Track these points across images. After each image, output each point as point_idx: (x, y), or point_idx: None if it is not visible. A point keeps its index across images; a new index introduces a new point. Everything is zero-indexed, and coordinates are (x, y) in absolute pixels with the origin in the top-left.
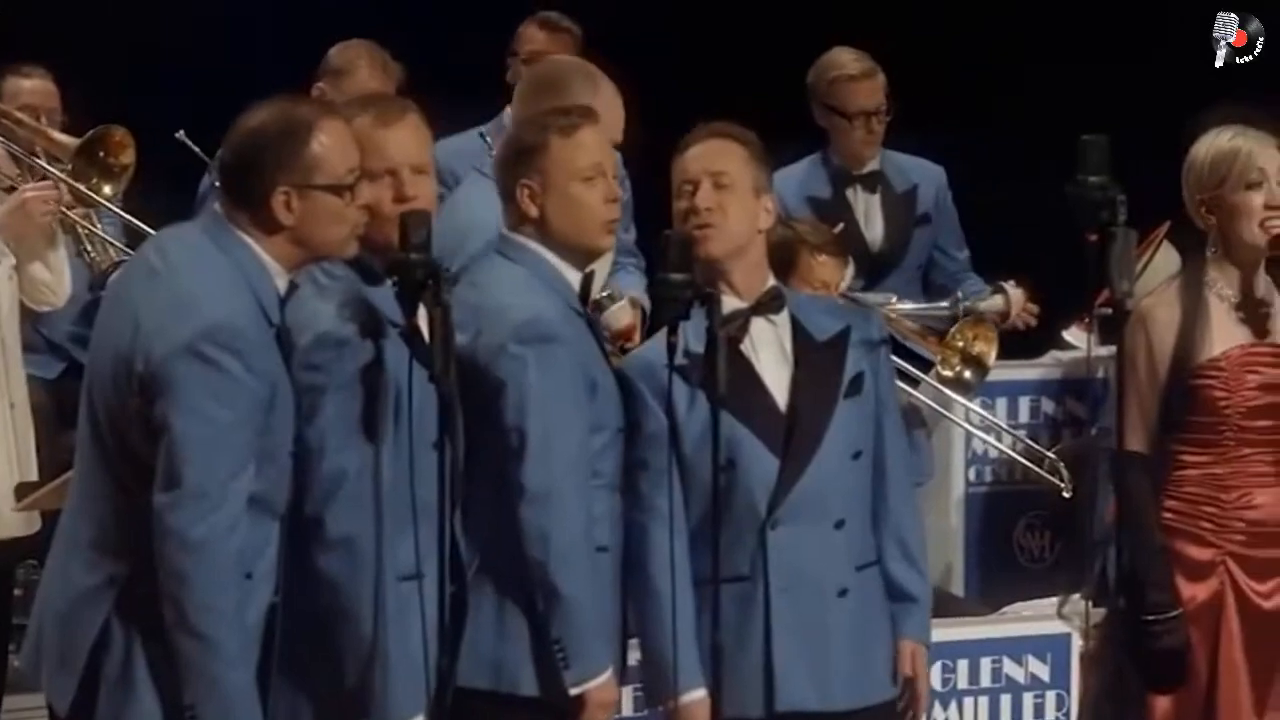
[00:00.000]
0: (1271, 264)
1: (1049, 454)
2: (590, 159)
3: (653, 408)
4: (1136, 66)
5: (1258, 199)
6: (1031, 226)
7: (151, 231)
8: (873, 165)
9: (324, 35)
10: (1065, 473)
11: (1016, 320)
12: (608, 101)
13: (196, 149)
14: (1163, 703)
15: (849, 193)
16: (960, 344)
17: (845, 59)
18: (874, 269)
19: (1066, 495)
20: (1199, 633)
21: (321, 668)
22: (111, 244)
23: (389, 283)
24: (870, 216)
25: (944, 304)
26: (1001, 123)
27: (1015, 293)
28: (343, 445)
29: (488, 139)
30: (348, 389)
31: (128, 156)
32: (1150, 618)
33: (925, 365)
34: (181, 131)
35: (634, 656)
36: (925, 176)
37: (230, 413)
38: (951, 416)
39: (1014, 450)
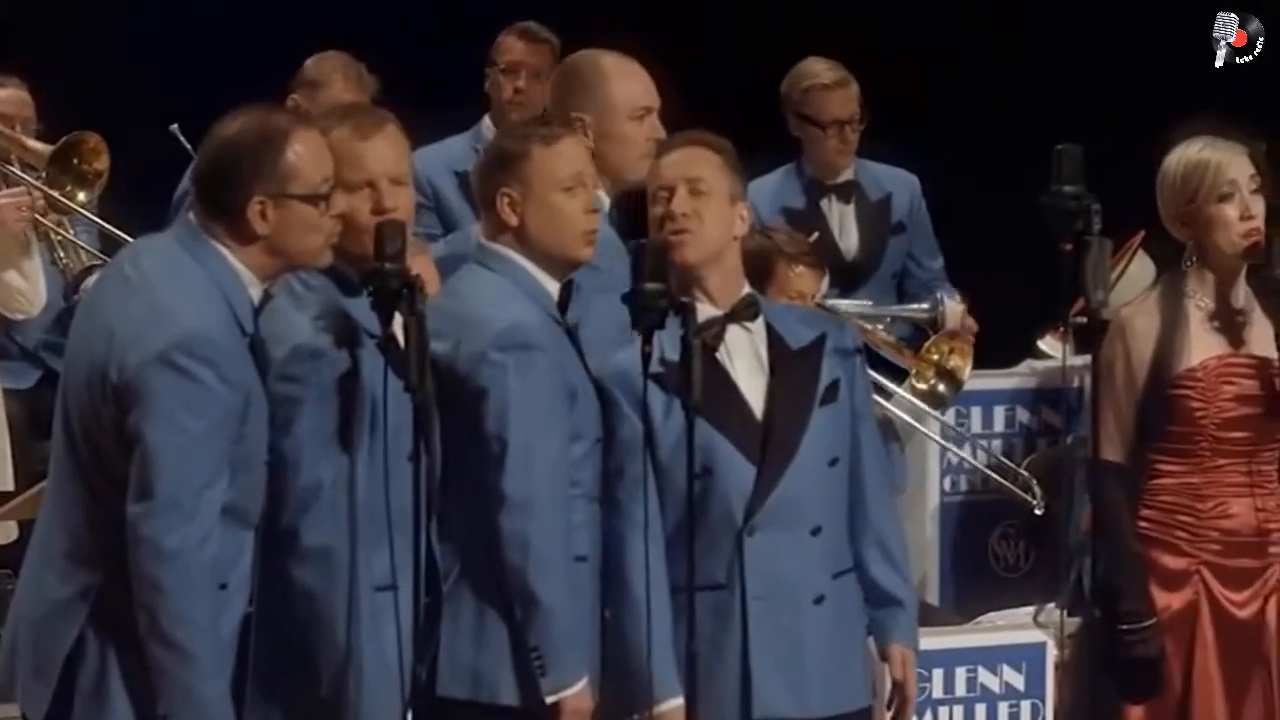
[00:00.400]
0: (1252, 274)
1: (1022, 470)
2: (571, 169)
3: (629, 415)
4: (1115, 72)
5: (1231, 211)
6: (1006, 235)
7: (127, 238)
8: (846, 175)
9: (303, 45)
10: (1037, 490)
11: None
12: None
13: (188, 145)
14: (1137, 712)
15: (823, 203)
16: (935, 357)
17: (818, 68)
18: (848, 278)
19: (1039, 512)
20: (1174, 642)
21: (297, 678)
22: (84, 249)
23: (366, 293)
24: (844, 226)
25: (924, 305)
26: (975, 131)
27: (954, 305)
28: (319, 456)
29: (479, 149)
30: (325, 400)
31: (101, 163)
32: (1125, 627)
33: (900, 375)
34: (176, 126)
35: None
36: (899, 185)
37: (203, 423)
38: (925, 430)
39: (987, 466)
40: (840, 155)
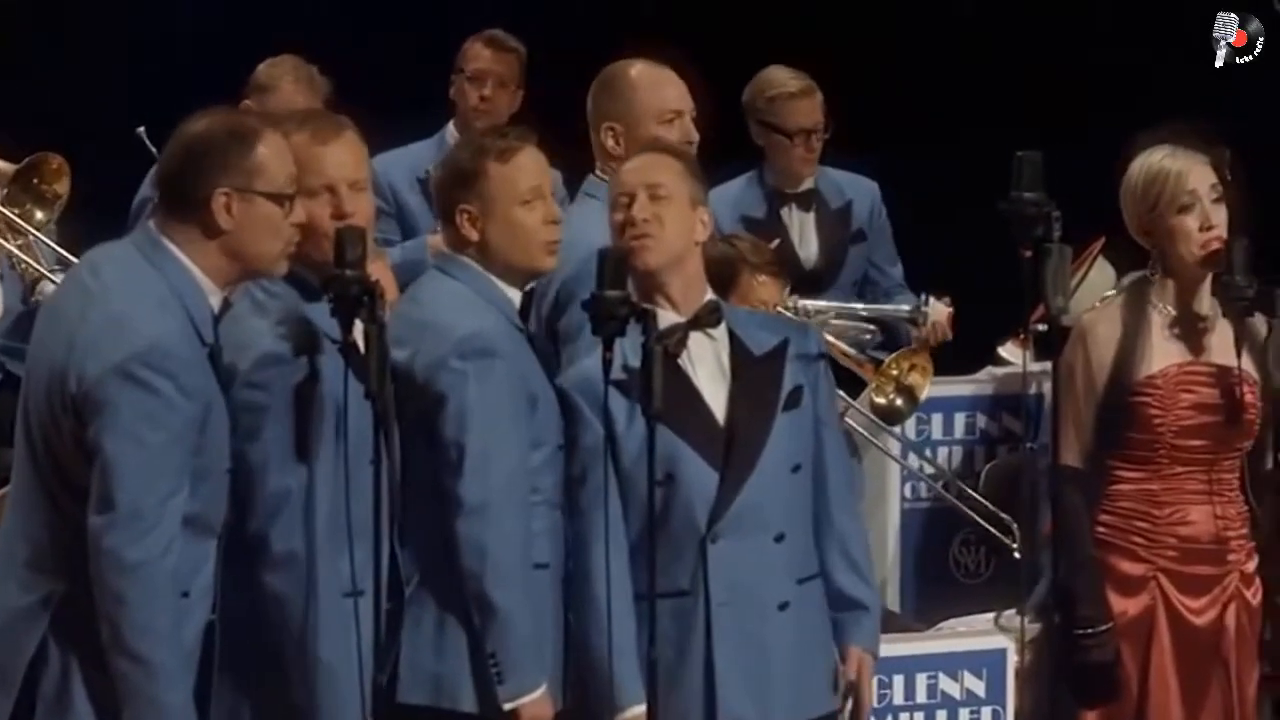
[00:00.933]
0: (1217, 281)
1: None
2: (529, 182)
3: (591, 422)
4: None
5: (1191, 222)
6: (967, 242)
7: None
8: (807, 183)
9: (267, 53)
10: (1015, 529)
11: (929, 332)
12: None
13: (153, 149)
14: (1093, 717)
15: (784, 211)
16: (895, 372)
17: (783, 77)
18: (808, 287)
19: (1017, 556)
20: (1130, 647)
21: (265, 684)
22: (46, 243)
23: (326, 299)
24: (805, 235)
25: (905, 307)
26: (935, 138)
27: (939, 305)
28: (286, 463)
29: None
30: (290, 407)
31: (63, 185)
32: (1081, 631)
33: (859, 388)
34: (142, 129)
35: None
36: (859, 193)
37: (163, 434)
38: (886, 450)
39: (956, 498)
40: (805, 164)
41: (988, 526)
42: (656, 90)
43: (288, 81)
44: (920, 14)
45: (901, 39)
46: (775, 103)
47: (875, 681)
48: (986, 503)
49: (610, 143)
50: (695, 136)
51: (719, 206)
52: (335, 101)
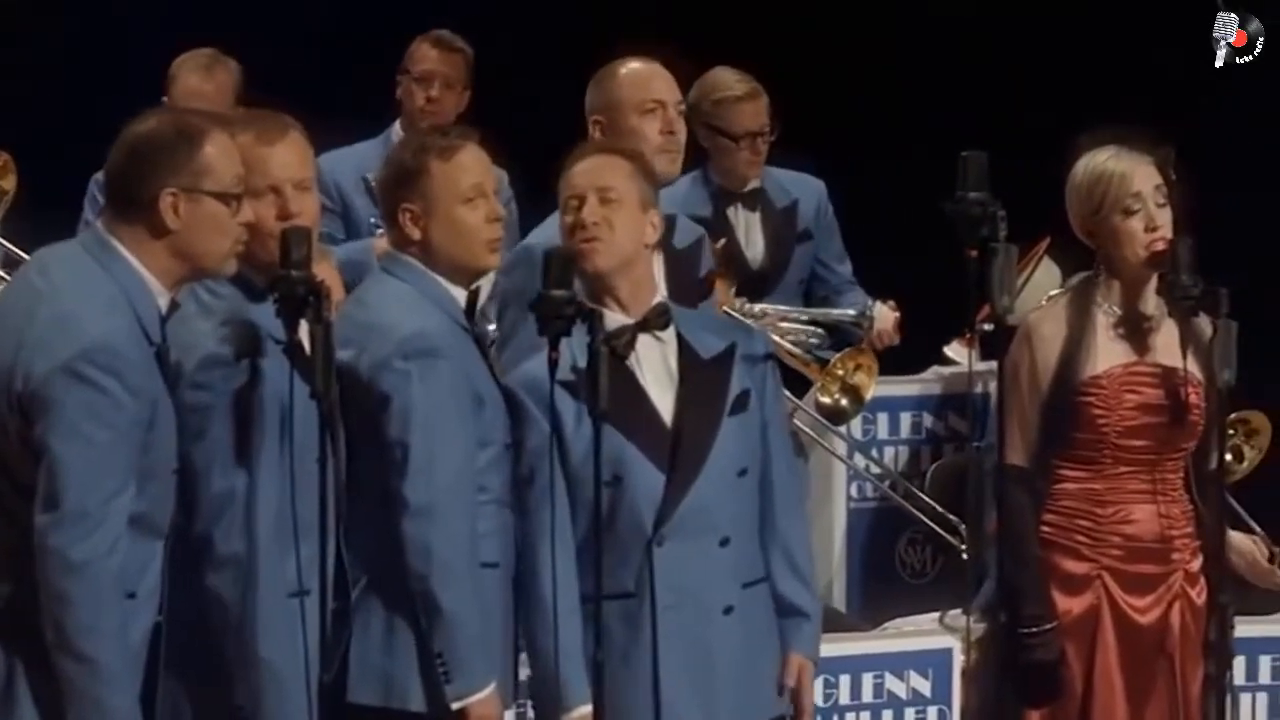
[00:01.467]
0: (1162, 282)
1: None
2: (471, 180)
3: (538, 421)
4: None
5: (1135, 224)
6: (912, 241)
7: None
8: (753, 183)
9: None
10: (962, 530)
11: (875, 339)
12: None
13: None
14: (1037, 716)
15: (730, 211)
16: (841, 373)
17: (729, 80)
18: (755, 287)
19: (965, 557)
20: (1075, 646)
21: (211, 686)
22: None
23: (271, 299)
24: (750, 234)
25: (851, 311)
26: (879, 137)
27: (885, 310)
28: (231, 463)
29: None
30: (235, 408)
31: (9, 182)
32: (1026, 631)
33: (805, 387)
34: None
35: (524, 672)
36: (805, 192)
37: (109, 433)
38: (832, 449)
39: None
40: (751, 167)
41: (934, 526)
42: (638, 82)
43: (186, 69)
44: (866, 12)
45: (845, 37)
46: (721, 106)
47: (821, 681)
48: (932, 502)
49: (597, 135)
50: (678, 129)
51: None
52: (244, 91)
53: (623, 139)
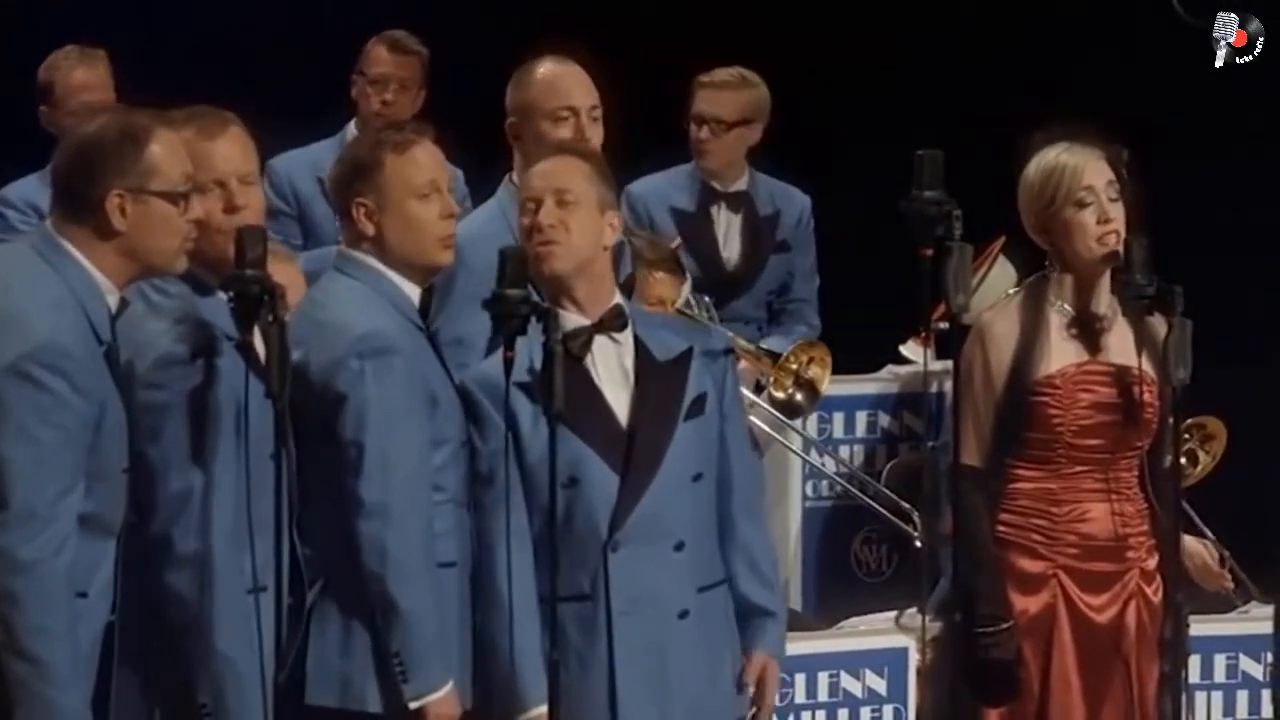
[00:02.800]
0: (1116, 280)
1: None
2: (425, 175)
3: (494, 421)
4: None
5: (1089, 217)
6: (867, 240)
7: None
8: (739, 185)
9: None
10: (916, 520)
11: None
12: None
13: None
14: (995, 716)
15: (713, 209)
16: (794, 366)
17: (721, 71)
18: (726, 289)
19: (918, 544)
20: (1031, 645)
21: (167, 684)
22: None
23: (221, 294)
24: (729, 236)
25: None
26: (835, 136)
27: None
28: (188, 462)
29: None
30: (190, 406)
31: None
32: (982, 630)
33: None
34: None
35: None
36: (790, 203)
37: (56, 433)
38: (788, 444)
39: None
40: (707, 157)
41: (890, 516)
42: (550, 86)
43: (67, 67)
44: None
45: (795, 36)
46: (697, 89)
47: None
48: (887, 490)
49: (512, 136)
50: (592, 135)
51: (648, 195)
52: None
53: (535, 143)
